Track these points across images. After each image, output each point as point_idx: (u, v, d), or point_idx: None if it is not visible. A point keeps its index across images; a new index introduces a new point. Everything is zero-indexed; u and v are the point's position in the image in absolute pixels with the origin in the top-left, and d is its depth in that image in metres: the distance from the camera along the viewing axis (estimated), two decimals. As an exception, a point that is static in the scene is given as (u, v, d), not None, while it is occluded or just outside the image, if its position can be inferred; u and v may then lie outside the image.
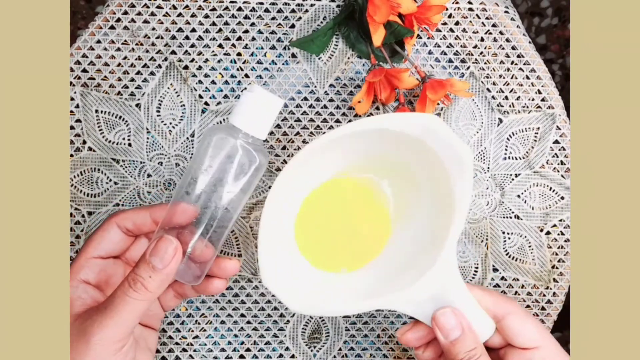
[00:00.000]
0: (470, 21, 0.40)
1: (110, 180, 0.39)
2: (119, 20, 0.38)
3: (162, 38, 0.39)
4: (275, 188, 0.30)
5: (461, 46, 0.40)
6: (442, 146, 0.30)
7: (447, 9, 0.39)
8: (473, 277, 0.41)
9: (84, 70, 0.38)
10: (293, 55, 0.39)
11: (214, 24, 0.39)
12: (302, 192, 0.34)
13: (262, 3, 0.39)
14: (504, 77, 0.40)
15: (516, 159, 0.41)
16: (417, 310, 0.33)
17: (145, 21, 0.38)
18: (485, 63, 0.40)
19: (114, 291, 0.30)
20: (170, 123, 0.39)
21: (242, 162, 0.31)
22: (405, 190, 0.35)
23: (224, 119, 0.39)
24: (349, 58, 0.40)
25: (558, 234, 0.41)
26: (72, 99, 0.38)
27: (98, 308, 0.30)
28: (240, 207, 0.33)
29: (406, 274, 0.33)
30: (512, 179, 0.41)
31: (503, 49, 0.40)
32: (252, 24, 0.39)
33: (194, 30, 0.39)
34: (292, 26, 0.39)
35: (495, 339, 0.33)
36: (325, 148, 0.30)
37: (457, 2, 0.40)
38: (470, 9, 0.40)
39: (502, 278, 0.41)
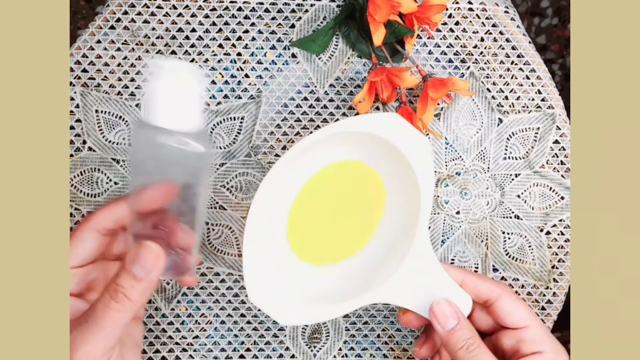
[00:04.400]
0: (470, 21, 0.40)
1: (111, 180, 0.39)
2: (119, 20, 0.38)
3: (162, 38, 0.39)
4: (255, 204, 0.30)
5: (461, 46, 0.40)
6: (404, 140, 0.33)
7: (447, 9, 0.39)
8: (473, 277, 0.41)
9: (84, 70, 0.38)
10: (293, 55, 0.39)
11: (214, 24, 0.39)
12: (290, 193, 0.34)
13: (262, 3, 0.39)
14: (504, 77, 0.40)
15: (516, 159, 0.41)
16: (402, 299, 0.34)
17: (146, 21, 0.38)
18: (485, 63, 0.40)
19: (94, 302, 0.28)
20: (171, 123, 0.39)
21: (182, 162, 0.27)
22: (382, 184, 0.36)
23: (223, 119, 0.39)
24: (349, 58, 0.40)
25: (558, 234, 0.41)
26: (72, 99, 0.38)
27: (79, 321, 0.28)
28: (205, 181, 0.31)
29: (387, 266, 0.35)
30: (512, 179, 0.41)
31: (503, 49, 0.40)
32: (252, 24, 0.39)
33: (194, 30, 0.39)
34: (292, 26, 0.39)
35: (487, 322, 0.36)
36: (301, 156, 0.31)
37: (457, 2, 0.40)
38: (470, 9, 0.40)
39: (502, 278, 0.41)
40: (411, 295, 0.34)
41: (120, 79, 0.39)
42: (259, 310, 0.30)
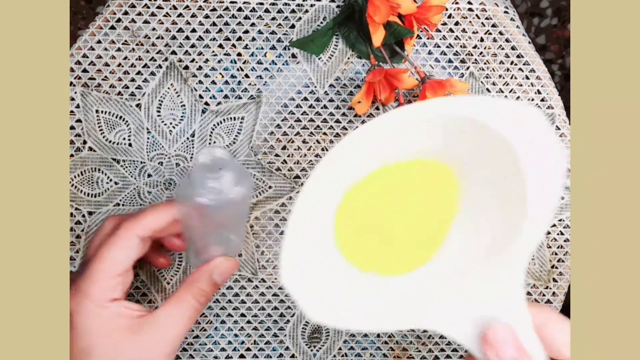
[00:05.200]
0: (470, 21, 0.40)
1: (111, 180, 0.39)
2: (119, 20, 0.38)
3: (162, 38, 0.39)
4: (316, 174, 0.25)
5: (461, 46, 0.40)
6: (529, 143, 0.25)
7: (446, 10, 0.40)
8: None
9: (85, 71, 0.38)
10: (293, 56, 0.39)
11: (214, 24, 0.39)
12: (350, 178, 0.29)
13: (262, 3, 0.39)
14: (503, 77, 0.40)
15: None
16: (459, 332, 0.28)
17: (146, 21, 0.38)
18: (484, 63, 0.40)
19: (179, 310, 0.32)
20: (171, 123, 0.39)
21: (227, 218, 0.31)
22: (472, 188, 0.29)
23: (224, 119, 0.39)
24: (348, 58, 0.40)
25: (558, 234, 0.41)
26: (72, 99, 0.38)
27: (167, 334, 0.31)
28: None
29: (449, 289, 0.28)
30: (512, 179, 0.41)
31: (503, 49, 0.40)
32: (253, 24, 0.39)
33: (194, 30, 0.39)
34: (292, 26, 0.39)
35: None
36: (367, 142, 0.25)
37: (456, 3, 0.40)
38: (470, 9, 0.40)
39: (502, 278, 0.41)
40: (471, 331, 0.27)
41: (120, 79, 0.39)
42: (286, 295, 0.29)
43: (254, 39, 0.39)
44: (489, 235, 0.28)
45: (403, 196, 0.29)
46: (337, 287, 0.29)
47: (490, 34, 0.40)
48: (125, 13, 0.38)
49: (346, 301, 0.28)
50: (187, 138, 0.39)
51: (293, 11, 0.39)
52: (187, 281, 0.32)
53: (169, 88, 0.39)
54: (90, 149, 0.39)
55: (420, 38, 0.40)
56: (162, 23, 0.39)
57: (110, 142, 0.39)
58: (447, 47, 0.40)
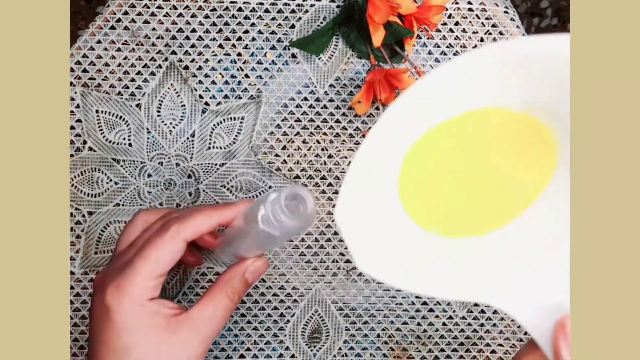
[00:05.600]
0: (470, 21, 0.40)
1: (111, 180, 0.39)
2: (119, 20, 0.38)
3: (162, 38, 0.39)
4: (373, 132, 0.22)
5: (461, 46, 0.40)
6: None
7: (446, 10, 0.40)
8: (473, 277, 0.41)
9: (85, 71, 0.38)
10: (293, 56, 0.39)
11: (214, 24, 0.39)
12: (414, 133, 0.26)
13: (262, 3, 0.39)
14: (503, 78, 0.40)
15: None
16: (522, 313, 0.25)
17: (146, 21, 0.38)
18: (485, 63, 0.40)
19: (214, 309, 0.32)
20: (171, 123, 0.39)
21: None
22: (556, 153, 0.26)
23: (224, 119, 0.39)
24: (348, 58, 0.40)
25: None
26: (72, 99, 0.38)
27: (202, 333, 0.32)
28: None
29: (523, 263, 0.25)
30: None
31: (503, 49, 0.40)
32: (252, 25, 0.39)
33: (194, 30, 0.39)
34: (292, 26, 0.39)
35: None
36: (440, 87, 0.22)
37: (456, 3, 0.40)
38: (470, 9, 0.40)
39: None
40: (547, 321, 0.24)
41: (120, 79, 0.39)
42: (341, 241, 0.26)
43: (254, 39, 0.39)
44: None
45: (484, 150, 0.26)
46: (392, 240, 0.26)
47: (490, 34, 0.40)
48: (125, 13, 0.38)
49: (400, 258, 0.26)
50: (187, 138, 0.39)
51: (293, 11, 0.39)
52: (220, 280, 0.32)
53: (169, 88, 0.39)
54: (90, 149, 0.39)
55: (420, 38, 0.40)
56: (162, 23, 0.39)
57: (110, 142, 0.39)
58: (447, 47, 0.40)
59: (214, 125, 0.39)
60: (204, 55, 0.39)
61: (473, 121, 0.24)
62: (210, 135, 0.39)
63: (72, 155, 0.39)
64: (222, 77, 0.39)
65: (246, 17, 0.39)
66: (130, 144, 0.39)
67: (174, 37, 0.39)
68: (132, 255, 0.31)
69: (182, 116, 0.39)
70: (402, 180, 0.26)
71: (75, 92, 0.38)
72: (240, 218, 0.32)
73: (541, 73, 0.22)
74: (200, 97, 0.39)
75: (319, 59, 0.39)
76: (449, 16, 0.40)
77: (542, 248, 0.26)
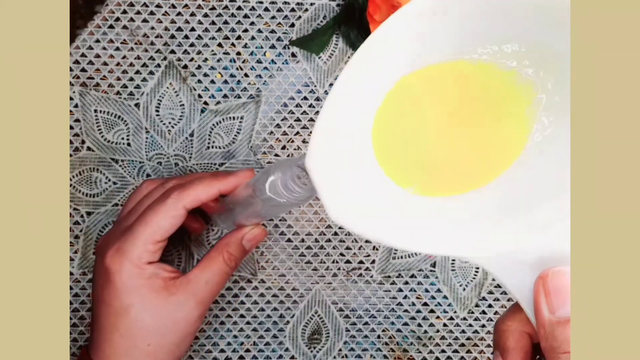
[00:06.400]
0: (471, 20, 0.40)
1: (110, 180, 0.39)
2: (117, 19, 0.38)
3: (161, 37, 0.38)
4: (346, 72, 0.21)
5: (462, 45, 0.40)
6: None
7: (447, 8, 0.39)
8: (473, 279, 0.41)
9: (83, 70, 0.38)
10: (293, 55, 0.39)
11: (213, 22, 0.39)
12: (388, 80, 0.24)
13: (261, 2, 0.39)
14: (505, 77, 0.40)
15: (517, 158, 0.40)
16: (509, 274, 0.23)
17: (144, 20, 0.38)
18: (486, 62, 0.40)
19: (210, 273, 0.33)
20: (170, 122, 0.39)
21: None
22: (555, 102, 0.24)
23: (223, 119, 0.39)
24: (349, 57, 0.39)
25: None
26: (70, 98, 0.38)
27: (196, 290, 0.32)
28: None
29: (506, 222, 0.24)
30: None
31: (504, 48, 0.40)
32: (252, 23, 0.39)
33: (193, 29, 0.38)
34: (292, 25, 0.39)
35: None
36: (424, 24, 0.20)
37: (457, 1, 0.39)
38: (471, 8, 0.40)
39: (503, 278, 0.41)
40: (524, 277, 0.23)
41: (119, 79, 0.38)
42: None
43: (253, 38, 0.39)
44: (564, 167, 0.23)
45: (466, 101, 0.24)
46: (367, 194, 0.24)
47: (491, 32, 0.40)
48: (124, 12, 0.38)
49: (375, 211, 0.24)
50: (186, 138, 0.39)
51: (293, 10, 0.39)
52: (218, 246, 0.33)
53: (167, 87, 0.39)
54: (89, 148, 0.38)
55: (421, 37, 0.40)
56: (161, 22, 0.38)
57: (108, 141, 0.39)
58: (448, 46, 0.40)
59: (213, 124, 0.39)
60: (202, 54, 0.39)
61: (446, 72, 0.23)
62: (209, 135, 0.39)
63: (70, 155, 0.38)
64: (221, 76, 0.39)
65: (245, 16, 0.39)
66: (129, 144, 0.39)
67: (172, 36, 0.38)
68: (133, 221, 0.32)
69: (180, 116, 0.39)
70: (375, 134, 0.24)
71: (74, 92, 0.38)
72: (243, 186, 0.32)
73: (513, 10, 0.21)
74: (199, 96, 0.39)
75: (319, 58, 0.39)
76: (450, 15, 0.39)
77: (522, 207, 0.24)
